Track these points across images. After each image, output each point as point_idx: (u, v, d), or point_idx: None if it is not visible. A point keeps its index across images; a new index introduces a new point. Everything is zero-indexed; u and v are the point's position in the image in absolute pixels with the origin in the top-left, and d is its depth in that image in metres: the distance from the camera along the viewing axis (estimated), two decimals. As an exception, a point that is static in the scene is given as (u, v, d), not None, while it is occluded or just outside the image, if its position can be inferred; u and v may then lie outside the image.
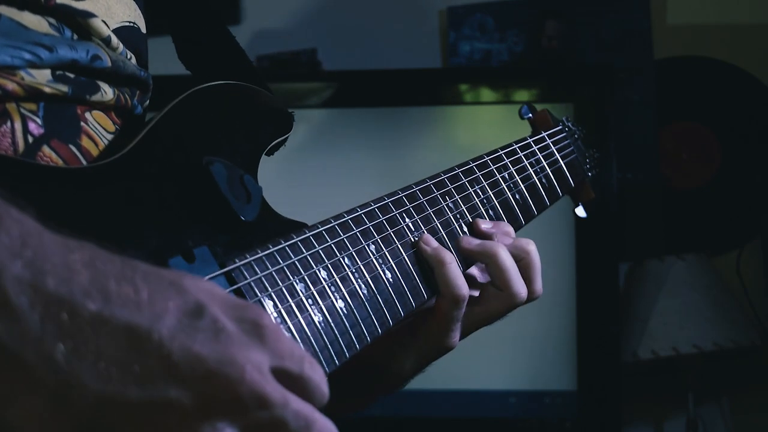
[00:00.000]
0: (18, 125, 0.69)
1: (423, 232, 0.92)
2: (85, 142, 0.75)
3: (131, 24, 0.83)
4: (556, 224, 2.24)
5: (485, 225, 0.98)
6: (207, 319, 0.57)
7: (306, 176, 2.26)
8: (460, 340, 0.96)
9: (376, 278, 0.85)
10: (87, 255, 0.55)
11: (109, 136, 0.78)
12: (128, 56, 0.82)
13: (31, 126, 0.70)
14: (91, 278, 0.54)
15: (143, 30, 0.86)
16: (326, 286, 0.79)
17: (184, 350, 0.55)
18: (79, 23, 0.75)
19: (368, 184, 2.30)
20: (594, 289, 2.27)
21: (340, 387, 0.80)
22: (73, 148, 0.73)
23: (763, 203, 2.45)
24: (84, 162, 0.74)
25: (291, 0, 2.72)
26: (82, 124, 0.75)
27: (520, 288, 0.95)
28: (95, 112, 0.77)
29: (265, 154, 0.86)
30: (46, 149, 0.71)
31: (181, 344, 0.55)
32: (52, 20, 0.72)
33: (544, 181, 1.12)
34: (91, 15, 0.75)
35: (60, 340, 0.52)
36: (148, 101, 0.87)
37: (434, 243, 0.91)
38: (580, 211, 1.25)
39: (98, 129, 0.77)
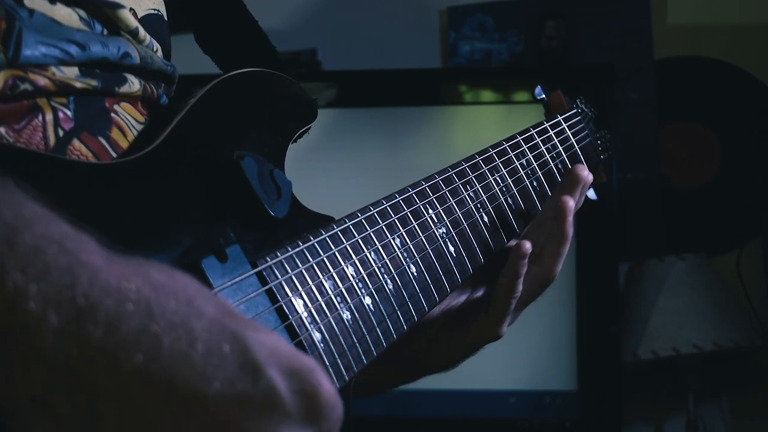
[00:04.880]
0: (50, 117, 0.68)
1: (446, 224, 0.92)
2: (115, 133, 0.74)
3: (156, 11, 0.82)
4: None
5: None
6: (262, 386, 0.53)
7: (305, 176, 2.25)
8: (504, 333, 1.02)
9: (401, 273, 0.85)
10: (145, 293, 0.52)
11: (139, 127, 0.77)
12: (155, 48, 0.81)
13: (62, 118, 0.69)
14: (141, 325, 0.51)
15: (166, 17, 0.85)
16: (354, 283, 0.78)
17: (227, 421, 0.52)
18: (107, 15, 0.74)
19: (368, 185, 2.29)
20: (594, 289, 2.26)
21: (389, 365, 0.81)
22: (103, 141, 0.72)
23: (763, 203, 2.45)
24: (113, 154, 0.73)
25: (291, 0, 2.71)
26: (112, 115, 0.74)
27: (558, 269, 1.01)
28: (123, 104, 0.76)
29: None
30: (76, 142, 0.70)
31: (226, 414, 0.52)
32: (83, 13, 0.71)
33: (560, 166, 1.12)
34: (119, 5, 0.75)
35: (93, 395, 0.50)
36: (173, 93, 0.86)
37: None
38: (592, 194, 1.24)
39: (128, 120, 0.76)
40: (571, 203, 1.01)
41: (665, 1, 2.59)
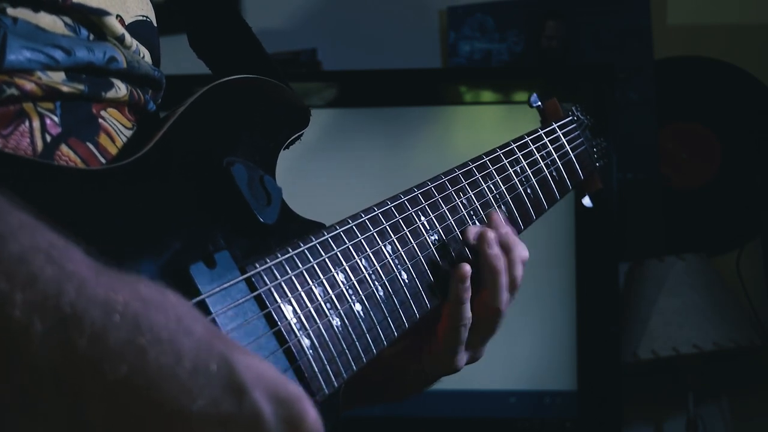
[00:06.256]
0: (36, 124, 0.68)
1: (438, 231, 0.92)
2: (103, 139, 0.74)
3: (144, 18, 0.83)
4: (556, 224, 2.24)
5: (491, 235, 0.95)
6: (247, 408, 0.53)
7: (305, 176, 2.25)
8: (462, 365, 0.97)
9: (392, 280, 0.85)
10: (134, 306, 0.52)
11: (127, 132, 0.77)
12: (141, 54, 0.81)
13: (49, 125, 0.69)
14: (127, 337, 0.50)
15: (155, 23, 0.85)
16: (344, 290, 0.78)
17: None
18: (93, 22, 0.74)
19: (368, 185, 2.29)
20: (594, 289, 2.26)
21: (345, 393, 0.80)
22: (91, 146, 0.72)
23: (763, 203, 2.45)
24: (102, 160, 0.73)
25: (291, 0, 2.71)
26: (100, 121, 0.74)
27: (504, 304, 0.95)
28: (110, 110, 0.76)
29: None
30: (64, 148, 0.70)
31: None
32: (68, 20, 0.72)
33: (554, 174, 1.12)
34: (105, 13, 0.75)
35: (80, 400, 0.50)
36: (160, 99, 0.86)
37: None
38: (587, 201, 1.24)
39: (116, 125, 0.76)
40: (490, 234, 0.94)
41: (665, 1, 2.59)
